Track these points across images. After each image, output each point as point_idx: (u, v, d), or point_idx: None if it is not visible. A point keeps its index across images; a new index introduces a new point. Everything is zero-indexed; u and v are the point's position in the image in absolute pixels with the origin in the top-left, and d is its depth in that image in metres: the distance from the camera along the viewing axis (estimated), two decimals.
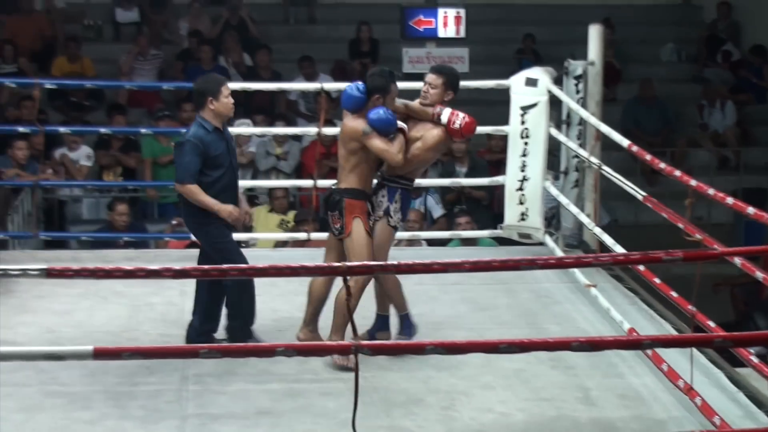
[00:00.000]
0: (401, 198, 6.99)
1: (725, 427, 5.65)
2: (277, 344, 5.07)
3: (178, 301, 7.84)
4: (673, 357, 6.36)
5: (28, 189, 10.72)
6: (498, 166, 10.48)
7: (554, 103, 8.89)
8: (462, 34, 13.15)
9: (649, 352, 6.41)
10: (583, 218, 8.49)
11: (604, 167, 7.96)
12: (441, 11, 13.18)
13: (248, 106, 13.54)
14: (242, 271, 5.75)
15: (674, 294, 6.64)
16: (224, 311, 7.06)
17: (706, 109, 15.14)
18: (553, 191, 8.87)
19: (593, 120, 8.29)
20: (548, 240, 8.92)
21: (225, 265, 5.15)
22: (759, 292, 10.67)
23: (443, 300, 7.99)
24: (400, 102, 7.01)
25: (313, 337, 6.98)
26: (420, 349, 5.10)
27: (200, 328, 7.05)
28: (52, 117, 13.49)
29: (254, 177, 12.27)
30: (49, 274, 4.88)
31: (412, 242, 9.87)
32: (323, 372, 6.68)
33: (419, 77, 12.93)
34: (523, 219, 8.98)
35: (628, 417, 6.22)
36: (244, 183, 11.85)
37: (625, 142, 7.51)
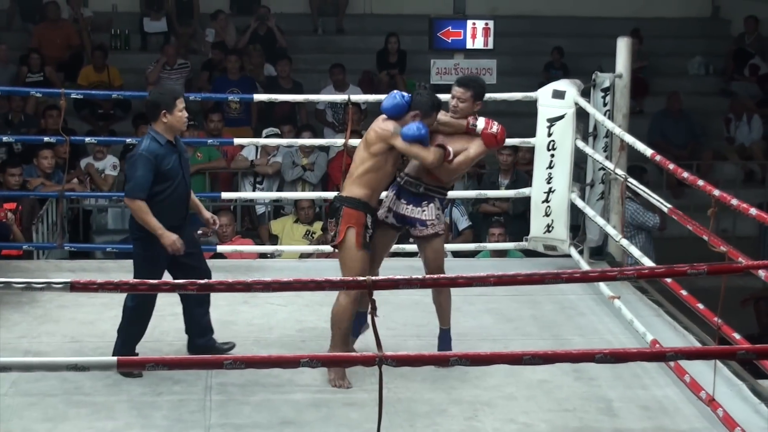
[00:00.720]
0: (443, 207, 7.02)
1: None
2: (301, 355, 5.07)
3: None
4: (696, 368, 6.32)
5: (53, 199, 10.75)
6: None
7: (581, 115, 8.87)
8: (490, 45, 13.13)
9: (671, 363, 6.38)
10: (609, 230, 8.46)
11: (631, 179, 7.94)
12: (469, 23, 13.16)
13: (270, 116, 13.60)
14: (267, 285, 5.74)
15: (701, 306, 6.60)
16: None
17: (732, 123, 15.10)
18: (579, 203, 8.85)
19: (619, 131, 8.26)
20: (573, 252, 8.89)
21: (249, 280, 5.13)
22: None
23: (468, 311, 7.97)
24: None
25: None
26: (444, 361, 5.09)
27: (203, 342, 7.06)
28: (78, 126, 13.56)
29: (280, 188, 12.29)
30: (73, 287, 4.84)
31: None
32: None
33: (447, 89, 13.04)
34: (548, 231, 8.95)
35: (651, 428, 6.21)
36: (269, 194, 12.02)
37: (648, 152, 7.48)
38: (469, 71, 13.11)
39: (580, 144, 8.81)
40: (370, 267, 6.81)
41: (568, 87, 8.85)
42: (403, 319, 7.62)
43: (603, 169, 8.76)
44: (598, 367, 6.64)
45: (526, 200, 9.21)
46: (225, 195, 10.56)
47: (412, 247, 9.92)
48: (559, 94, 8.82)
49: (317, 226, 11.07)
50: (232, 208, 11.69)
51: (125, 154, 12.35)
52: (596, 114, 8.70)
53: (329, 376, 6.67)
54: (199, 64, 15.11)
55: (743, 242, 10.61)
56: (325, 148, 12.56)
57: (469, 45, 13.16)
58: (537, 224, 9.02)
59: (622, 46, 8.94)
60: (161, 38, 15.90)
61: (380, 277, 5.69)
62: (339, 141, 9.98)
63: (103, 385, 6.56)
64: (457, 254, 10.08)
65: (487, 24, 13.14)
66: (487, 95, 9.59)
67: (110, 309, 7.82)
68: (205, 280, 5.20)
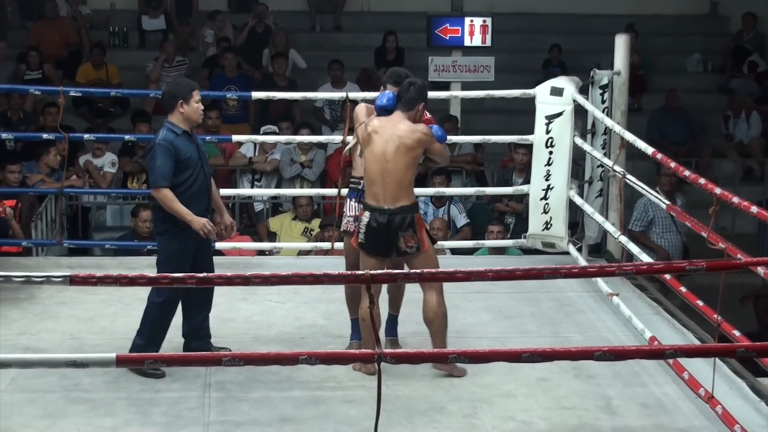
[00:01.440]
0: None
1: None
2: (300, 352, 5.08)
3: None
4: (695, 366, 6.33)
5: (52, 196, 10.75)
6: None
7: (579, 112, 8.88)
8: (488, 43, 13.12)
9: (670, 361, 6.38)
10: (608, 227, 8.46)
11: (629, 176, 7.94)
12: (467, 20, 13.15)
13: (265, 113, 13.59)
14: (266, 279, 5.74)
15: (700, 303, 6.61)
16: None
17: (731, 120, 15.09)
18: (578, 200, 8.85)
19: (618, 129, 8.27)
20: (572, 249, 8.89)
21: (248, 273, 5.13)
22: None
23: (466, 308, 7.98)
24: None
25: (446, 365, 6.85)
26: (443, 358, 5.10)
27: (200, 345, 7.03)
28: (77, 124, 13.55)
29: (279, 185, 12.29)
30: (73, 281, 4.89)
31: (436, 252, 9.85)
32: (346, 380, 6.67)
33: (445, 86, 13.05)
34: (547, 228, 8.96)
35: (650, 426, 6.21)
36: (268, 191, 12.01)
37: (649, 150, 7.49)
38: (467, 69, 13.11)
39: (579, 141, 8.82)
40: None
41: (567, 84, 8.86)
42: (401, 316, 7.60)
43: (602, 166, 8.76)
44: (597, 365, 6.66)
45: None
46: (223, 192, 10.50)
47: None
48: (557, 91, 8.83)
49: (315, 223, 11.07)
50: (231, 205, 11.67)
51: (124, 151, 12.36)
52: (595, 111, 8.70)
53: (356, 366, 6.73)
54: (197, 62, 15.10)
55: (742, 239, 10.60)
56: (323, 146, 12.55)
57: (467, 42, 13.16)
58: (535, 221, 9.03)
59: (620, 43, 8.95)
60: (159, 36, 15.89)
61: (378, 271, 5.69)
62: (337, 138, 9.98)
63: (102, 381, 6.57)
64: (455, 251, 10.09)
65: (485, 21, 13.13)
66: (486, 92, 9.67)
67: (109, 306, 7.85)
68: (204, 274, 5.16)
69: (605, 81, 8.88)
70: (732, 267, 5.37)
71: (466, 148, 12.80)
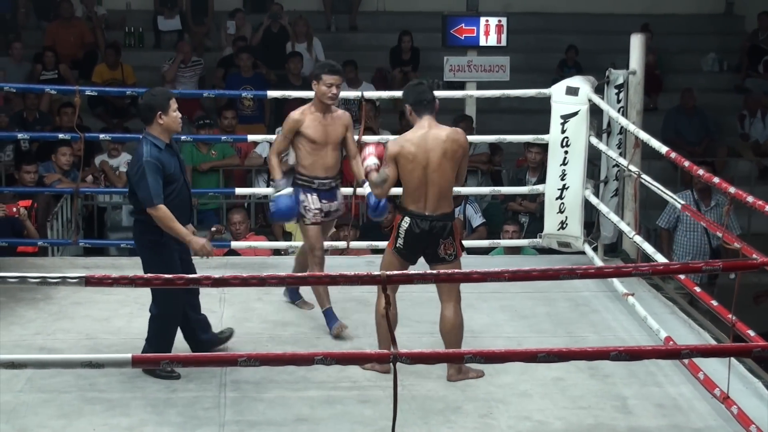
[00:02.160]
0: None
1: None
2: (316, 352, 5.08)
3: (216, 308, 7.87)
4: (710, 366, 6.32)
5: (68, 196, 10.78)
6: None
7: (595, 112, 8.86)
8: (503, 42, 13.11)
9: (686, 361, 6.37)
10: (623, 227, 8.45)
11: (644, 176, 7.92)
12: (482, 20, 13.14)
13: (281, 113, 13.59)
14: (282, 279, 5.75)
15: (714, 303, 6.59)
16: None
17: (747, 119, 15.05)
18: (593, 200, 8.83)
19: (633, 128, 8.25)
20: (587, 249, 8.88)
21: (264, 274, 5.13)
22: None
23: (482, 308, 7.97)
24: None
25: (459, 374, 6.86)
26: (459, 358, 5.10)
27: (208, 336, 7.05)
28: (93, 124, 13.58)
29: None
30: (88, 282, 4.89)
31: None
32: (362, 379, 6.67)
33: (460, 86, 13.05)
34: (562, 228, 8.95)
35: (665, 426, 6.20)
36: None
37: (663, 149, 7.47)
38: (482, 68, 13.10)
39: (594, 141, 8.81)
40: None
41: (582, 84, 8.85)
42: (417, 315, 7.61)
43: (617, 165, 8.75)
44: (613, 365, 6.65)
45: None
46: (239, 191, 10.58)
47: None
48: (572, 91, 8.81)
49: None
50: (246, 205, 11.69)
51: None
52: (610, 111, 8.68)
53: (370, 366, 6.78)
54: (213, 62, 15.13)
55: (758, 239, 10.52)
56: None
57: (482, 42, 13.15)
58: (551, 221, 9.02)
59: (636, 43, 8.93)
60: (175, 36, 15.92)
61: (396, 272, 5.67)
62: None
63: (117, 381, 6.58)
64: (470, 251, 10.04)
65: (500, 21, 13.13)
66: (501, 92, 9.66)
67: (125, 306, 7.85)
68: (220, 275, 5.16)
69: (620, 80, 8.86)
70: (748, 267, 5.36)
71: (481, 148, 12.79)
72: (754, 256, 5.75)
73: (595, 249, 8.95)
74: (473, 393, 6.54)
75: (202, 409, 6.30)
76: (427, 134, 6.65)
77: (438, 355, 6.17)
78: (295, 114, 7.50)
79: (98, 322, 7.60)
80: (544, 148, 10.82)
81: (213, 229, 8.54)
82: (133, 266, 8.58)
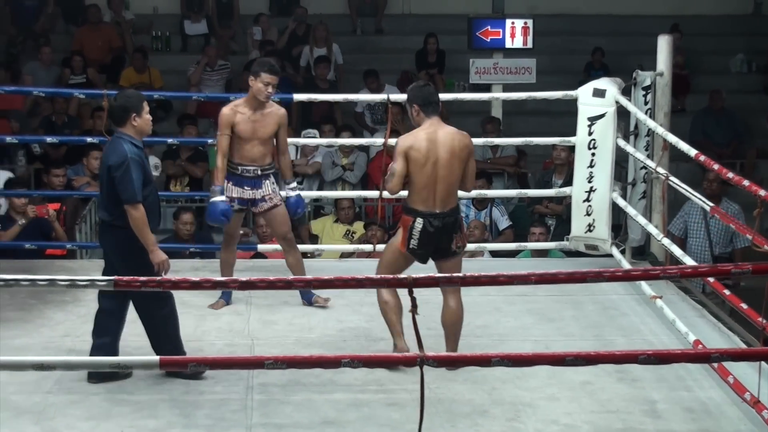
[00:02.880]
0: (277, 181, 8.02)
1: None
2: (343, 355, 5.07)
3: (243, 310, 7.89)
4: (740, 370, 6.27)
5: (96, 198, 10.81)
6: None
7: (622, 113, 8.83)
8: (529, 44, 13.10)
9: (715, 365, 6.33)
10: (651, 229, 8.41)
11: (672, 178, 7.89)
12: (508, 22, 13.14)
13: (307, 116, 13.62)
14: (308, 282, 5.75)
15: (744, 306, 6.55)
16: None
17: None
18: (621, 202, 8.80)
19: (661, 130, 8.22)
20: (615, 251, 8.84)
21: (290, 277, 5.13)
22: None
23: (509, 311, 7.96)
24: None
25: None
26: (486, 361, 5.08)
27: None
28: None
29: (320, 187, 12.31)
30: (117, 285, 4.93)
31: (474, 254, 9.85)
32: (388, 382, 6.66)
33: (486, 88, 13.03)
34: (590, 230, 8.92)
35: (695, 430, 6.16)
36: (310, 193, 12.02)
37: (692, 152, 7.43)
38: (508, 71, 13.09)
39: (621, 143, 8.77)
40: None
41: (609, 85, 8.81)
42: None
43: (645, 168, 8.71)
44: (641, 368, 6.60)
45: None
46: None
47: None
48: (599, 93, 8.79)
49: (357, 225, 11.08)
50: None
51: (167, 154, 12.42)
52: (637, 112, 8.65)
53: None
54: (239, 65, 15.16)
55: None
56: (364, 149, 12.56)
57: (508, 44, 13.15)
58: (578, 224, 8.99)
59: (663, 44, 8.89)
60: (201, 40, 15.99)
61: (421, 275, 5.66)
62: (379, 141, 9.98)
63: (145, 384, 6.60)
64: (497, 254, 10.05)
65: (526, 23, 13.12)
66: (527, 94, 9.64)
67: None
68: (247, 278, 5.16)
69: (648, 82, 8.83)
70: None
71: (507, 150, 12.78)
72: None
73: (622, 252, 8.92)
74: (500, 396, 6.52)
75: (229, 412, 6.30)
76: (436, 132, 6.82)
77: (465, 358, 6.15)
78: (226, 110, 7.82)
79: (126, 325, 7.57)
80: (570, 149, 10.80)
81: (240, 232, 8.57)
82: None
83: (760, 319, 6.19)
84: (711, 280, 7.05)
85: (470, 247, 9.75)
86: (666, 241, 8.07)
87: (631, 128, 8.95)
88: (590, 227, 8.91)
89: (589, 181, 8.85)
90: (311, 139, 11.84)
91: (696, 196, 7.37)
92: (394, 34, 16.80)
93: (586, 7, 16.86)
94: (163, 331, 6.77)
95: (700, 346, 6.80)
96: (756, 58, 16.65)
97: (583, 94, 8.89)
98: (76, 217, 10.69)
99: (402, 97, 10.82)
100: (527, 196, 11.00)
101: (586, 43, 15.96)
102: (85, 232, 10.72)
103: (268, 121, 7.82)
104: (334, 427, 6.16)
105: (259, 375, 6.68)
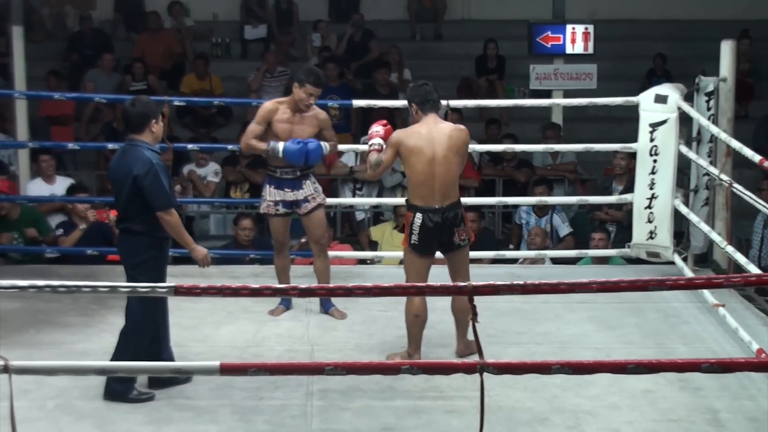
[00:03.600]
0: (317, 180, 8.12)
1: None
2: (402, 361, 5.07)
3: (303, 317, 7.91)
4: None
5: None
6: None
7: (685, 120, 8.76)
8: (590, 50, 13.03)
9: None
10: (714, 237, 8.33)
11: (735, 185, 7.80)
12: (569, 27, 13.06)
13: (367, 122, 13.61)
14: (368, 290, 5.73)
15: None
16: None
17: None
18: (683, 209, 8.72)
19: (724, 136, 8.13)
20: (677, 259, 8.76)
21: (350, 284, 5.13)
22: None
23: (569, 318, 7.91)
24: None
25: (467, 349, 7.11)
26: (546, 369, 5.05)
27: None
28: (181, 134, 13.71)
29: (380, 194, 12.31)
30: (177, 291, 4.95)
31: (535, 261, 9.81)
32: (448, 389, 6.64)
33: (547, 94, 12.97)
34: (651, 237, 8.85)
35: None
36: (369, 200, 12.04)
37: (757, 158, 7.35)
38: (569, 76, 13.02)
39: (684, 149, 8.70)
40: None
41: (671, 91, 8.75)
42: (503, 326, 7.57)
43: (707, 174, 8.63)
44: (704, 377, 6.53)
45: None
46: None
47: (512, 254, 9.93)
48: (661, 99, 8.72)
49: None
50: (332, 214, 11.72)
51: (227, 160, 12.48)
52: (700, 119, 8.57)
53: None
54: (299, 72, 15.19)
55: None
56: None
57: (568, 50, 13.08)
58: (640, 231, 8.92)
59: (726, 50, 8.80)
60: (261, 46, 16.05)
61: (481, 283, 5.64)
62: None
63: (205, 389, 6.62)
64: (557, 261, 10.01)
65: (586, 28, 13.04)
66: (588, 100, 9.59)
67: (212, 314, 7.92)
68: (307, 285, 5.16)
69: (710, 88, 8.75)
70: None
71: (568, 157, 12.72)
72: None
73: (684, 259, 8.84)
74: (560, 404, 6.48)
75: (289, 417, 6.31)
76: (432, 129, 6.97)
77: (526, 366, 6.12)
78: (269, 104, 7.92)
79: (186, 330, 7.65)
80: (631, 155, 10.71)
81: (302, 240, 8.60)
82: (221, 275, 8.69)
83: None
84: None
85: (531, 254, 9.76)
86: (730, 249, 7.99)
87: (694, 134, 8.87)
88: (652, 234, 8.84)
89: (651, 188, 8.78)
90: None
91: (760, 203, 7.29)
92: (454, 39, 16.77)
93: (648, 12, 16.73)
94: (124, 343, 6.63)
95: (764, 354, 6.73)
96: None
97: (645, 100, 8.83)
98: None
99: (462, 103, 10.88)
100: (588, 203, 10.92)
101: (648, 49, 15.83)
102: None
103: (306, 124, 7.84)
104: None
105: (318, 381, 6.68)
